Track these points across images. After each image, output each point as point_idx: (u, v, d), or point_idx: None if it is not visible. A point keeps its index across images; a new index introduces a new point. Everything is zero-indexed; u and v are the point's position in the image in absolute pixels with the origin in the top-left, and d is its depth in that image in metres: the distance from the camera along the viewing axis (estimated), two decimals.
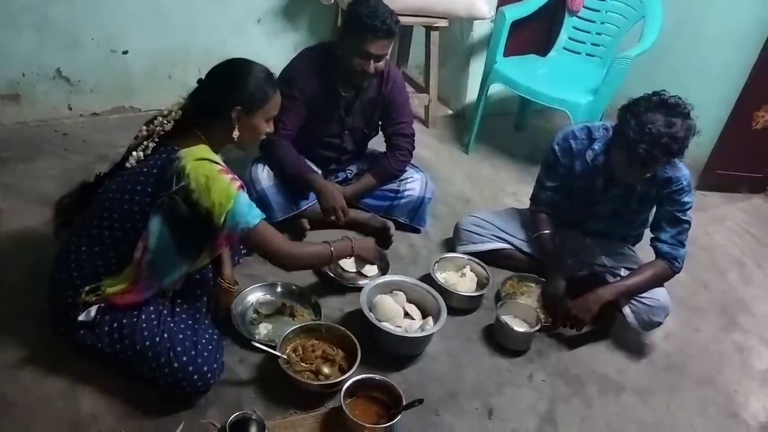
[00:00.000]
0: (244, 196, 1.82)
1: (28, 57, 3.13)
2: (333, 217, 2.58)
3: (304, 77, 2.55)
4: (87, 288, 1.87)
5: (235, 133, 1.86)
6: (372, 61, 2.45)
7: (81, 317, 1.87)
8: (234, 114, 1.83)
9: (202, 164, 1.77)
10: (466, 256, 2.63)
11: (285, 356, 2.04)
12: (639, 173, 2.21)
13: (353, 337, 2.12)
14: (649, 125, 2.04)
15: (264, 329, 2.22)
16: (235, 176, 1.83)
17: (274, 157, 2.60)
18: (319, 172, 2.78)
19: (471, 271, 2.59)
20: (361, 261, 2.42)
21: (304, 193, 2.66)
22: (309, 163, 2.70)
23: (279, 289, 2.40)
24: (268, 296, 2.37)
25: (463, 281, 2.54)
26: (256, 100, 1.86)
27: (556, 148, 2.47)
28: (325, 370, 2.04)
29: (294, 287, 2.40)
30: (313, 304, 2.35)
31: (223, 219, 1.77)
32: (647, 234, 2.49)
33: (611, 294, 2.34)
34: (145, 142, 1.85)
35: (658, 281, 2.37)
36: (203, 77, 1.90)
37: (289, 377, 1.98)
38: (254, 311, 2.30)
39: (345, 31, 2.48)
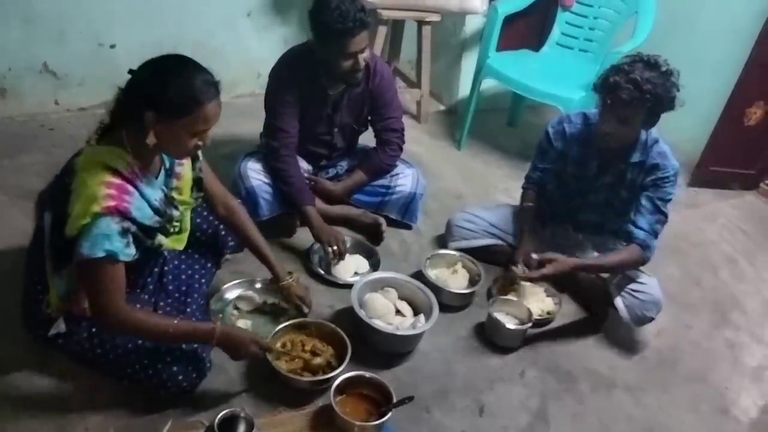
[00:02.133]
0: (107, 222, 1.55)
1: (15, 50, 3.09)
2: (335, 247, 2.52)
3: (289, 79, 2.52)
4: (47, 297, 1.79)
5: (150, 140, 1.59)
6: (358, 57, 2.42)
7: (52, 331, 1.81)
8: (147, 118, 1.57)
9: (91, 167, 1.58)
10: (458, 253, 2.62)
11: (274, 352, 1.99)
12: (618, 122, 2.20)
13: (343, 334, 2.09)
14: (631, 73, 2.13)
15: (243, 326, 2.18)
16: (123, 197, 1.59)
17: (280, 173, 2.55)
18: (311, 168, 2.76)
19: (463, 267, 2.57)
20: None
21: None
22: (303, 163, 2.69)
23: (259, 286, 2.34)
24: (249, 292, 2.31)
25: (454, 278, 2.53)
26: (173, 108, 1.57)
27: (550, 131, 2.50)
28: (316, 361, 2.01)
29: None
30: (296, 303, 2.27)
31: (74, 233, 1.56)
32: None
33: (583, 263, 2.34)
34: (91, 136, 1.72)
35: (628, 266, 2.37)
36: (135, 68, 1.64)
37: (278, 374, 1.96)
38: (234, 307, 2.26)
39: (318, 40, 2.40)
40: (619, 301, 2.38)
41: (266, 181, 2.58)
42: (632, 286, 2.38)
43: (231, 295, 2.30)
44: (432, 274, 2.50)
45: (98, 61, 3.28)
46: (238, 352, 1.84)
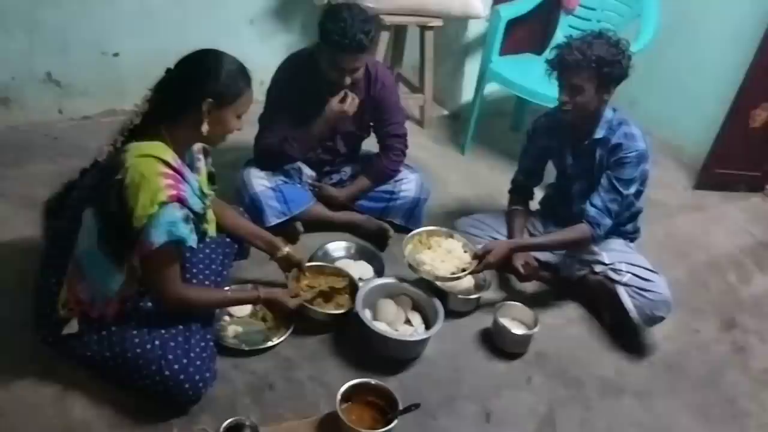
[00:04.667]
0: (172, 210, 1.67)
1: (18, 60, 3.10)
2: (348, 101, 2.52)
3: (290, 84, 2.53)
4: (62, 298, 1.82)
5: (204, 128, 1.74)
6: (346, 75, 2.43)
7: (65, 330, 1.83)
8: (205, 106, 1.71)
9: (144, 161, 1.66)
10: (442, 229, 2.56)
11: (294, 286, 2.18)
12: (571, 91, 2.27)
13: (354, 278, 2.34)
14: (577, 42, 2.26)
15: (232, 331, 2.17)
16: (179, 186, 1.70)
17: (281, 147, 2.58)
18: (314, 175, 2.76)
19: (442, 245, 2.46)
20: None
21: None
22: (307, 170, 2.72)
23: None
24: None
25: (430, 255, 2.41)
26: (228, 93, 1.74)
27: (530, 127, 2.63)
28: (340, 285, 2.30)
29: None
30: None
31: (142, 223, 1.64)
32: (646, 230, 2.52)
33: (522, 243, 2.50)
34: (115, 136, 1.77)
35: (574, 244, 2.45)
36: (171, 67, 1.78)
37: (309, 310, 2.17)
38: (226, 313, 2.23)
39: (319, 41, 2.43)
40: (628, 302, 2.36)
41: (269, 186, 2.58)
42: (640, 285, 2.36)
43: None
44: (407, 250, 2.41)
45: (102, 70, 3.28)
46: (283, 310, 2.13)
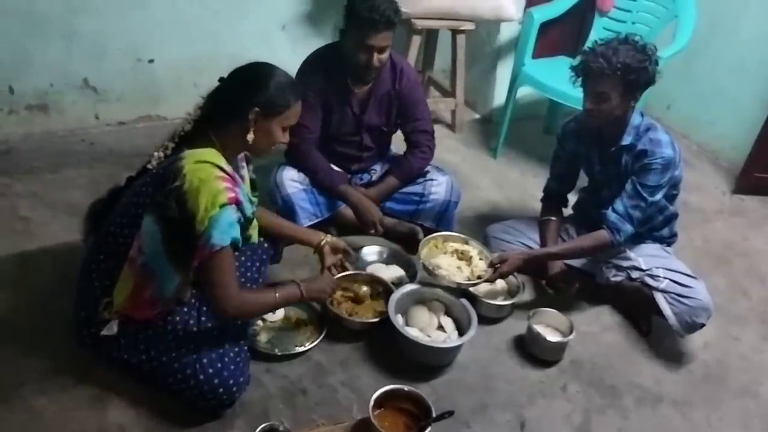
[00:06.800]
0: (230, 212, 1.71)
1: (56, 67, 3.16)
2: (372, 231, 2.60)
3: (314, 78, 2.53)
4: (105, 301, 1.85)
5: (250, 136, 1.78)
6: (375, 54, 2.43)
7: (104, 332, 1.85)
8: (252, 115, 1.76)
9: (201, 167, 1.70)
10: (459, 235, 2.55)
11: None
12: (596, 98, 2.23)
13: (390, 284, 2.36)
14: (602, 49, 2.21)
15: (265, 336, 2.18)
16: (235, 189, 1.75)
17: (302, 167, 2.61)
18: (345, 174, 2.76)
19: (458, 252, 2.46)
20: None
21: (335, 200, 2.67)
22: (336, 168, 2.69)
23: None
24: None
25: (448, 260, 2.41)
26: (276, 104, 1.79)
27: (560, 132, 2.58)
28: (363, 291, 2.33)
29: None
30: (319, 313, 2.30)
31: (205, 226, 1.67)
32: (683, 235, 2.49)
33: (537, 254, 2.46)
34: (166, 143, 1.84)
35: (593, 251, 2.41)
36: (225, 76, 1.85)
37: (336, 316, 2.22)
38: (259, 317, 2.23)
39: (346, 25, 2.46)
40: (666, 309, 2.31)
41: (302, 187, 2.59)
42: (679, 291, 2.31)
43: None
44: (422, 253, 2.41)
45: (137, 76, 3.33)
46: (321, 299, 2.15)
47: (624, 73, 2.16)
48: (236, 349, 1.91)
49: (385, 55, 2.47)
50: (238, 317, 1.92)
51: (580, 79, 2.27)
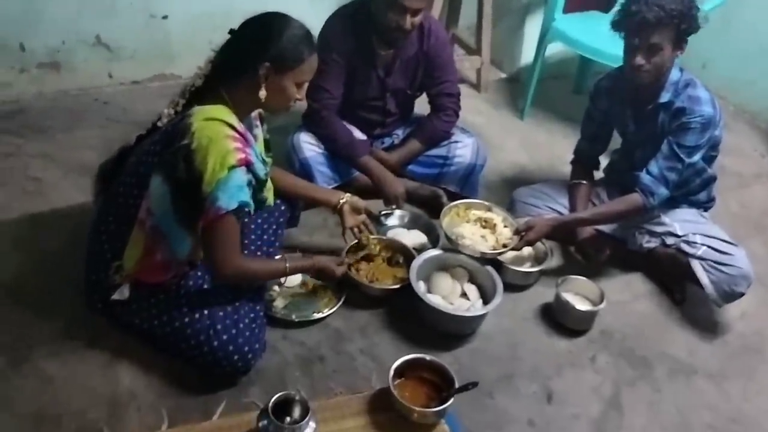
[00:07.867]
0: (239, 174, 1.64)
1: (68, 24, 3.08)
2: (394, 206, 2.52)
3: (339, 39, 2.42)
4: (115, 264, 1.79)
5: (262, 93, 1.68)
6: (408, 16, 2.29)
7: (115, 296, 1.80)
8: (262, 71, 1.65)
9: (210, 124, 1.61)
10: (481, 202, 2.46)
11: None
12: (649, 52, 2.11)
13: (411, 249, 2.28)
14: None
15: (282, 302, 2.12)
16: (246, 149, 1.67)
17: (322, 134, 2.51)
18: (365, 138, 2.65)
19: (481, 219, 2.37)
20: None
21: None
22: (357, 132, 2.59)
23: None
24: None
25: (471, 229, 2.33)
26: (288, 58, 1.67)
27: (592, 90, 2.48)
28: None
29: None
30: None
31: (212, 188, 1.61)
32: (718, 200, 2.42)
33: (565, 220, 2.35)
34: (176, 99, 1.75)
35: (624, 216, 2.32)
36: (235, 28, 1.73)
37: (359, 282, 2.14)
38: (276, 283, 2.18)
39: None
40: (703, 277, 2.21)
41: (320, 151, 2.51)
42: (717, 258, 2.21)
43: None
44: (444, 222, 2.32)
45: (150, 33, 3.25)
46: (332, 278, 2.05)
47: (680, 20, 2.06)
48: (252, 315, 1.86)
49: (418, 18, 2.33)
50: (234, 282, 1.85)
51: (626, 32, 2.15)
